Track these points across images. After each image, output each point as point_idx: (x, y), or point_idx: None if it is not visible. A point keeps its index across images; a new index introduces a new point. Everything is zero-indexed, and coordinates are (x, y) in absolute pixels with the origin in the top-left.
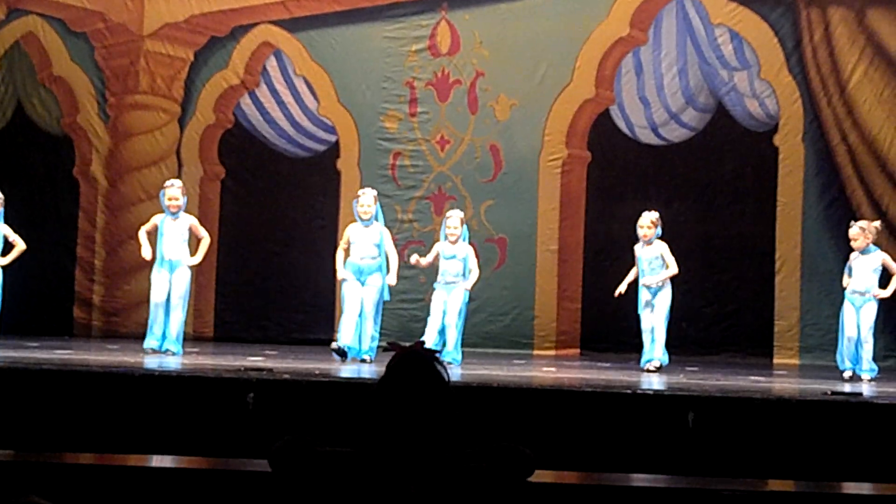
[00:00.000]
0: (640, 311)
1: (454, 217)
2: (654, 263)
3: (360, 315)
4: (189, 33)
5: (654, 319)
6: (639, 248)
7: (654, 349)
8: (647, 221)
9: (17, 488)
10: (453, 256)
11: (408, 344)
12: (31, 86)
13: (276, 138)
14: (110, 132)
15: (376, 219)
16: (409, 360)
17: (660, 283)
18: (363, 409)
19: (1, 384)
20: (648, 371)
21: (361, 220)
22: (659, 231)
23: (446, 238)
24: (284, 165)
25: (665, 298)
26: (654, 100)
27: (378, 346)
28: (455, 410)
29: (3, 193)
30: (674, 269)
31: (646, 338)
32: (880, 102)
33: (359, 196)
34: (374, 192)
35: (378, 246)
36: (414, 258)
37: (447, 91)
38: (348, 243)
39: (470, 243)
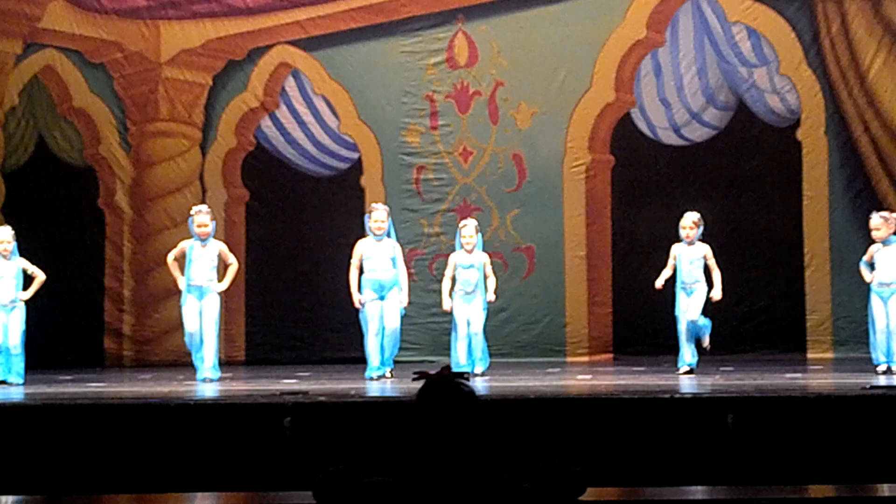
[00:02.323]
0: (677, 314)
1: (469, 227)
2: (695, 263)
3: (382, 331)
4: (206, 58)
5: (685, 323)
6: (680, 248)
7: (685, 354)
8: (689, 222)
9: None
10: (471, 266)
11: (434, 372)
12: (51, 119)
13: (299, 158)
14: (133, 161)
15: (388, 234)
16: (438, 386)
17: (695, 287)
18: (400, 439)
19: (37, 422)
20: (683, 374)
21: (374, 235)
22: (701, 231)
23: (462, 248)
24: (308, 185)
25: (699, 301)
26: (675, 100)
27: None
28: (493, 431)
29: (28, 227)
30: (718, 273)
31: (682, 340)
32: None
33: (371, 211)
34: (387, 208)
35: (393, 260)
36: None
37: (467, 102)
38: (361, 259)
39: (486, 251)
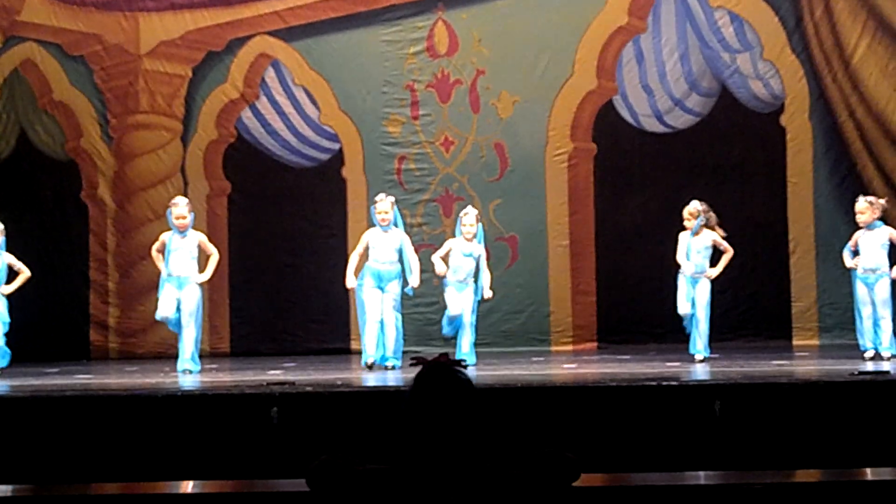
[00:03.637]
0: (678, 301)
1: (470, 215)
2: (702, 252)
3: (381, 322)
4: (186, 50)
5: (697, 312)
6: (686, 237)
7: (697, 342)
8: (686, 213)
9: None
10: (469, 255)
11: (432, 357)
12: (32, 113)
13: (280, 150)
14: (114, 154)
15: (395, 224)
16: (435, 373)
17: (710, 275)
18: (395, 426)
19: (25, 414)
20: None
21: (381, 226)
22: (701, 221)
23: (462, 235)
24: (290, 176)
25: (705, 289)
26: (657, 87)
27: (403, 352)
28: (487, 418)
29: (11, 222)
30: (730, 252)
31: (688, 324)
32: (885, 75)
33: (376, 202)
34: (392, 198)
35: (398, 251)
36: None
37: (448, 91)
38: (366, 248)
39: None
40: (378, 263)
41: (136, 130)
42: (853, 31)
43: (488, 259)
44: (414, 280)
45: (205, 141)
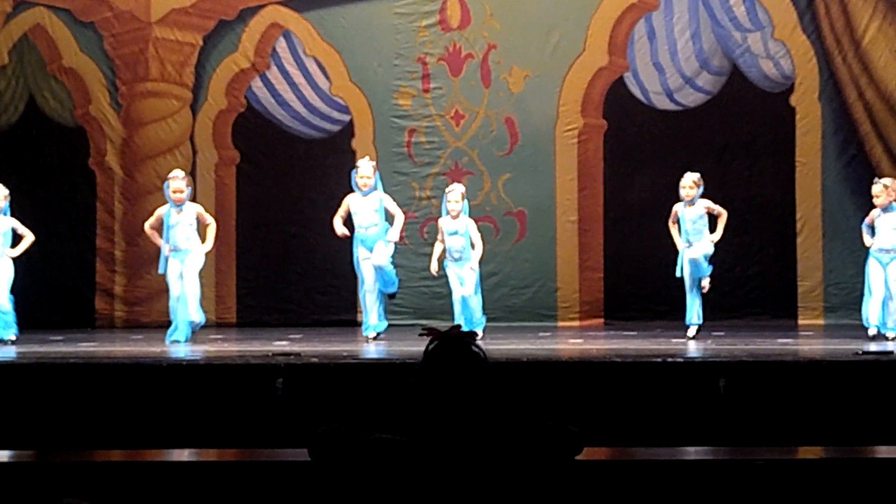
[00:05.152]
0: (680, 275)
1: (455, 192)
2: (697, 223)
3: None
4: (197, 18)
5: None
6: (681, 209)
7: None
8: (689, 182)
9: (48, 490)
10: (455, 232)
11: (444, 328)
12: (41, 78)
13: (290, 120)
14: (123, 121)
15: (375, 187)
16: (447, 344)
17: (713, 241)
18: (404, 397)
19: (29, 381)
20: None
21: (361, 191)
22: (701, 191)
23: (448, 213)
24: (299, 147)
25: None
26: (668, 65)
27: (410, 325)
28: (497, 391)
29: (18, 187)
30: (724, 214)
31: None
32: None
33: (357, 167)
34: (373, 163)
35: (378, 212)
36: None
37: (460, 65)
38: (347, 212)
39: (478, 215)
40: (363, 230)
41: (145, 98)
42: (864, 12)
43: (496, 234)
44: (393, 234)
45: (214, 110)
